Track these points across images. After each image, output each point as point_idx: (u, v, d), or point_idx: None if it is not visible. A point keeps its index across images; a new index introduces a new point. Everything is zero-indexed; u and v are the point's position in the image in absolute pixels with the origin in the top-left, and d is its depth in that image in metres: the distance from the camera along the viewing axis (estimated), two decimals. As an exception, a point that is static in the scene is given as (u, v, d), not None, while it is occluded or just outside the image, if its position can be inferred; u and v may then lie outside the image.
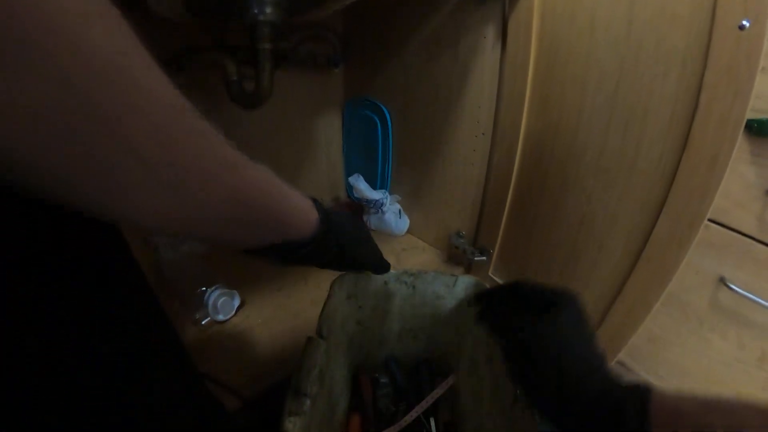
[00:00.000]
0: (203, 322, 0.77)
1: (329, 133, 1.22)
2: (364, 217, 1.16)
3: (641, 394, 0.35)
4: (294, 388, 0.46)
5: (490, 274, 0.96)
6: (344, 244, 0.45)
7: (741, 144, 0.54)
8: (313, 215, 0.39)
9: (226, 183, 0.27)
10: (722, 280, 0.61)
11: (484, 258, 0.94)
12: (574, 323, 0.40)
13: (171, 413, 0.36)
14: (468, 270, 1.01)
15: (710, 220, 0.59)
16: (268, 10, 0.72)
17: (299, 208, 0.37)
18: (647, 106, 0.60)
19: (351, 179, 1.09)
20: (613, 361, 0.72)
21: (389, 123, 1.08)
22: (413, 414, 0.67)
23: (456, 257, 1.03)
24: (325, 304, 0.58)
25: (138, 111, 0.21)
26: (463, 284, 0.66)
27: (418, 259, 1.07)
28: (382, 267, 0.57)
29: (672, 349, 0.69)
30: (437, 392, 0.70)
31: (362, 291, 0.65)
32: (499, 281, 0.94)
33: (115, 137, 0.20)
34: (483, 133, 0.87)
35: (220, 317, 0.78)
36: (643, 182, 0.63)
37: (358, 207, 1.21)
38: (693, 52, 0.53)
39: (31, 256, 0.25)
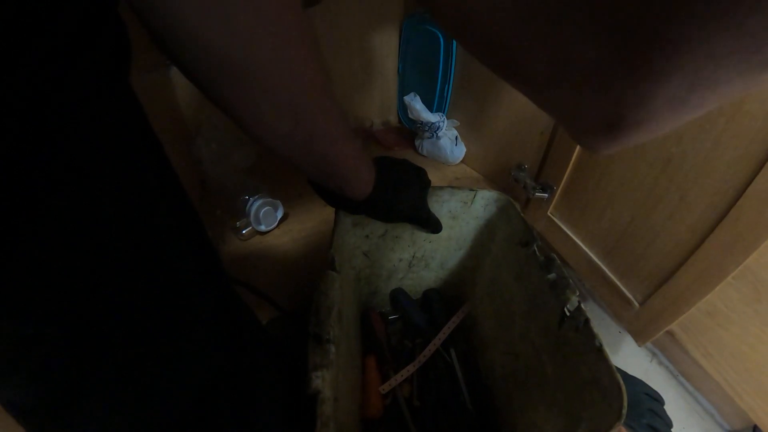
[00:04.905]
0: (243, 231, 0.75)
1: (385, 50, 1.12)
2: (416, 142, 1.09)
3: None
4: (314, 334, 0.39)
5: (548, 213, 0.88)
6: (392, 208, 0.51)
7: None
8: (370, 188, 0.47)
9: (322, 149, 0.38)
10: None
11: (546, 195, 0.85)
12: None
13: (193, 317, 0.34)
14: (525, 207, 0.93)
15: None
16: None
17: (363, 180, 0.46)
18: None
19: (407, 98, 1.01)
20: (662, 330, 0.65)
21: (454, 40, 0.96)
22: (431, 348, 0.64)
23: (513, 192, 0.95)
24: (333, 232, 0.53)
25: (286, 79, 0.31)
26: (482, 200, 0.60)
27: (470, 192, 0.99)
28: (430, 226, 0.58)
29: (730, 328, 0.60)
30: (454, 321, 0.67)
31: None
32: (559, 223, 0.86)
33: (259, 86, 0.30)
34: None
35: (262, 227, 0.76)
36: (749, 126, 0.49)
37: (408, 133, 1.13)
38: None
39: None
